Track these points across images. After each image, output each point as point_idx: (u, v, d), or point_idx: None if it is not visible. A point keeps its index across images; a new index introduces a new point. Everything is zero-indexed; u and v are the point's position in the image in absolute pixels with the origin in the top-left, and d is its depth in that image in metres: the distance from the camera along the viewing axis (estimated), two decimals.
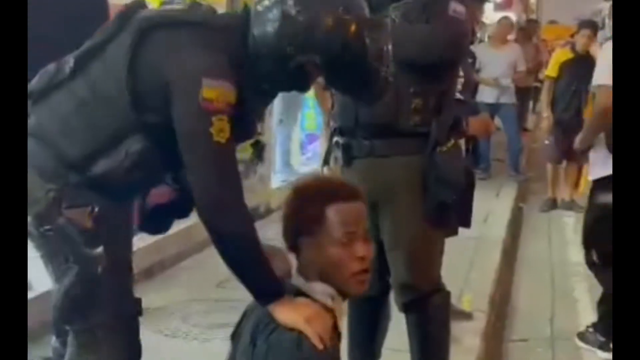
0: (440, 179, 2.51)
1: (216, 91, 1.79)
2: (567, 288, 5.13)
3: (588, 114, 6.99)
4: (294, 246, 1.76)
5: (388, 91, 1.97)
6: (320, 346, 1.63)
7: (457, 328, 2.87)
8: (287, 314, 1.69)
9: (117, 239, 1.96)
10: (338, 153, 2.68)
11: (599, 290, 4.92)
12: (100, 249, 1.86)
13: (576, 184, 7.60)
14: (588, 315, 4.61)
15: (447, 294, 2.72)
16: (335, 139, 2.71)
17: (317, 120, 7.49)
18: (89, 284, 1.87)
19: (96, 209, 1.86)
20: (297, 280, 1.77)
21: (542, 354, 4.01)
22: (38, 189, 1.85)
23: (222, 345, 3.25)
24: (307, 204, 1.72)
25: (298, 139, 7.52)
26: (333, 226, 1.69)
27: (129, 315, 1.96)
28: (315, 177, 1.90)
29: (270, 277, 1.78)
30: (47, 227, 1.86)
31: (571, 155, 7.32)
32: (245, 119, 1.92)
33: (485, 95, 8.04)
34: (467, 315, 3.84)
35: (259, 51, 1.90)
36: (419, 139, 2.53)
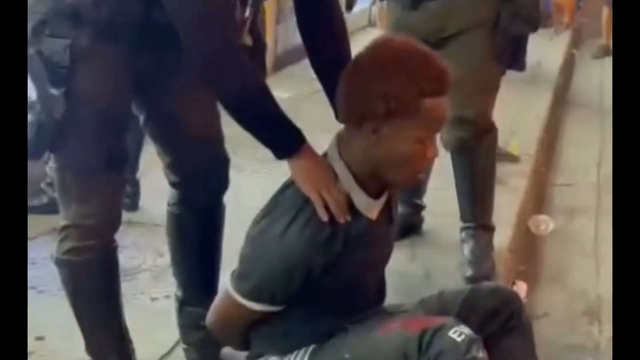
0: (517, 13, 2.47)
1: None
2: None
3: None
4: (360, 124, 1.51)
5: None
6: (325, 217, 1.50)
7: (503, 170, 2.86)
8: (300, 173, 1.56)
9: (99, 87, 1.72)
10: None
11: None
12: (61, 91, 1.68)
13: None
14: None
15: (497, 133, 2.72)
16: None
17: None
18: (45, 126, 1.71)
19: (75, 45, 1.68)
20: (331, 152, 1.59)
21: (586, 199, 4.02)
22: (29, 10, 1.65)
23: None
24: (402, 89, 1.45)
25: None
26: (424, 122, 1.47)
27: (96, 171, 1.75)
28: (401, 46, 1.52)
29: (284, 128, 1.61)
30: (32, 50, 1.69)
31: None
32: None
33: None
34: (514, 158, 3.83)
35: None
36: None
